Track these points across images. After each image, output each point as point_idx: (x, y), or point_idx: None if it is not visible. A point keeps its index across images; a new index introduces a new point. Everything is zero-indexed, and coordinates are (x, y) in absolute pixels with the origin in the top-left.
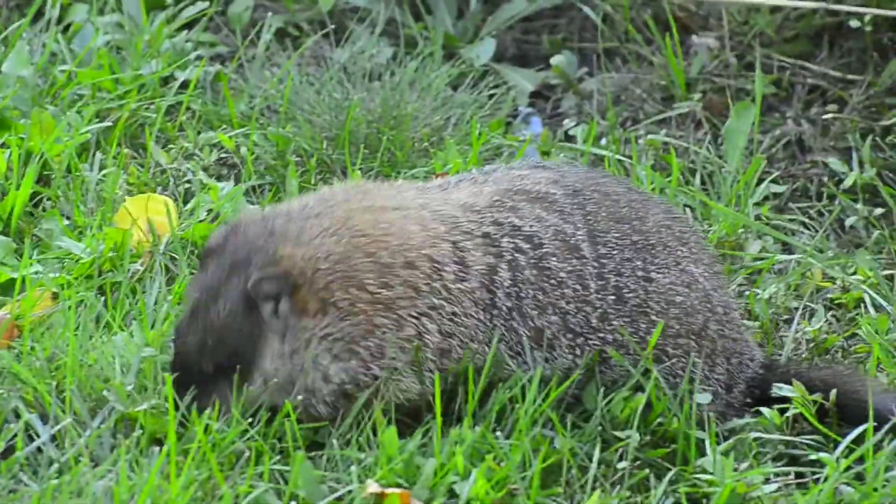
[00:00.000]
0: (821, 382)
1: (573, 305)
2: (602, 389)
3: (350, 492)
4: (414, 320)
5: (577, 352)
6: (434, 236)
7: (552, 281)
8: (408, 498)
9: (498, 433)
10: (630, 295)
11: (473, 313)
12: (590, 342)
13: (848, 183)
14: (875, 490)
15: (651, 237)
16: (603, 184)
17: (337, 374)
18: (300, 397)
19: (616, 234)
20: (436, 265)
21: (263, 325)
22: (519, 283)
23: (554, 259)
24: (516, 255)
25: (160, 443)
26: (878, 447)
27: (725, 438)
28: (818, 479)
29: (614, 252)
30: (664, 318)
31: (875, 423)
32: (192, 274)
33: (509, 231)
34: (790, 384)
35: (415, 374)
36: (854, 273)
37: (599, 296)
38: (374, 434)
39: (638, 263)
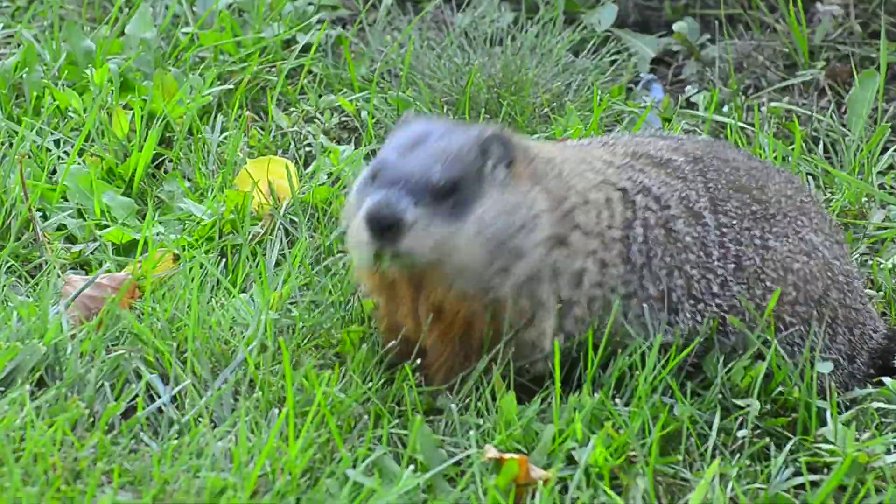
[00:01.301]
0: None
1: (697, 271)
2: (722, 357)
3: (468, 456)
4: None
5: (699, 318)
6: (597, 184)
7: (678, 244)
8: (526, 463)
9: (617, 400)
10: (748, 263)
11: (617, 263)
12: (710, 308)
13: None
14: None
15: (770, 206)
16: (722, 152)
17: (543, 233)
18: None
19: (736, 203)
20: (599, 209)
21: (485, 177)
22: (650, 241)
23: (680, 222)
24: (647, 213)
25: (280, 405)
26: None
27: (847, 408)
28: None
29: (734, 221)
30: (781, 284)
31: None
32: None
33: (641, 189)
34: None
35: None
36: None
37: (720, 263)
38: (493, 399)
39: (756, 232)
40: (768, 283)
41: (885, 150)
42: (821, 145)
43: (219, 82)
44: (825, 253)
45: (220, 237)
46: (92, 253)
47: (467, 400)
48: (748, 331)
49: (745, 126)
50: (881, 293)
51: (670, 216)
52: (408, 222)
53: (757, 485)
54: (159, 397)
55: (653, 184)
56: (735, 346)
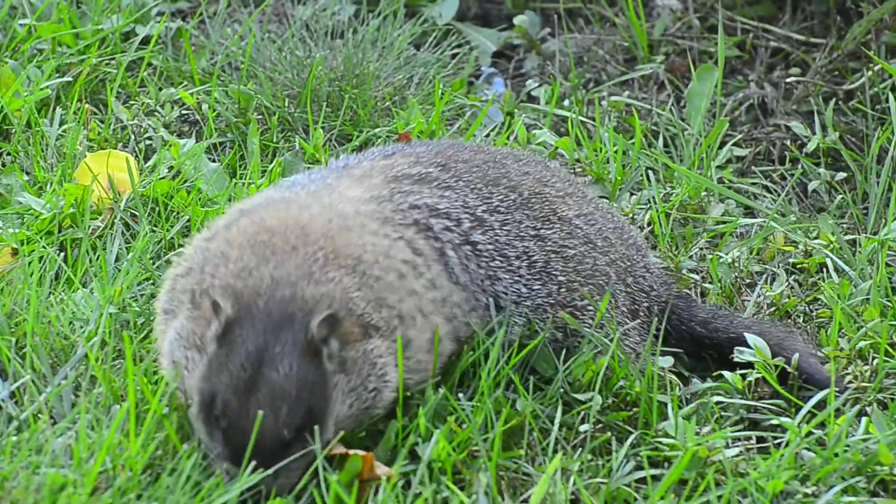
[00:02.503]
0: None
1: (506, 276)
2: (563, 352)
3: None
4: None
5: (525, 318)
6: (393, 241)
7: (484, 256)
8: (371, 459)
9: (460, 395)
10: (536, 258)
11: (452, 290)
12: (526, 309)
13: (811, 147)
14: (836, 455)
15: (523, 190)
16: (454, 153)
17: (394, 379)
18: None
19: (500, 198)
20: (409, 264)
21: (326, 371)
22: (463, 259)
23: (477, 233)
24: (449, 234)
25: (121, 401)
26: (838, 412)
27: (687, 402)
28: (780, 443)
29: (507, 217)
30: (565, 276)
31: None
32: (215, 358)
33: (430, 213)
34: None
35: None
36: (816, 237)
37: (518, 263)
38: None
39: (527, 223)
40: (559, 278)
41: (723, 144)
42: (660, 139)
43: (57, 74)
44: (581, 225)
45: (59, 231)
46: None
47: None
48: (584, 329)
49: (585, 120)
50: (719, 286)
51: (466, 230)
52: (281, 487)
53: (599, 479)
54: None
55: (435, 202)
56: (570, 343)
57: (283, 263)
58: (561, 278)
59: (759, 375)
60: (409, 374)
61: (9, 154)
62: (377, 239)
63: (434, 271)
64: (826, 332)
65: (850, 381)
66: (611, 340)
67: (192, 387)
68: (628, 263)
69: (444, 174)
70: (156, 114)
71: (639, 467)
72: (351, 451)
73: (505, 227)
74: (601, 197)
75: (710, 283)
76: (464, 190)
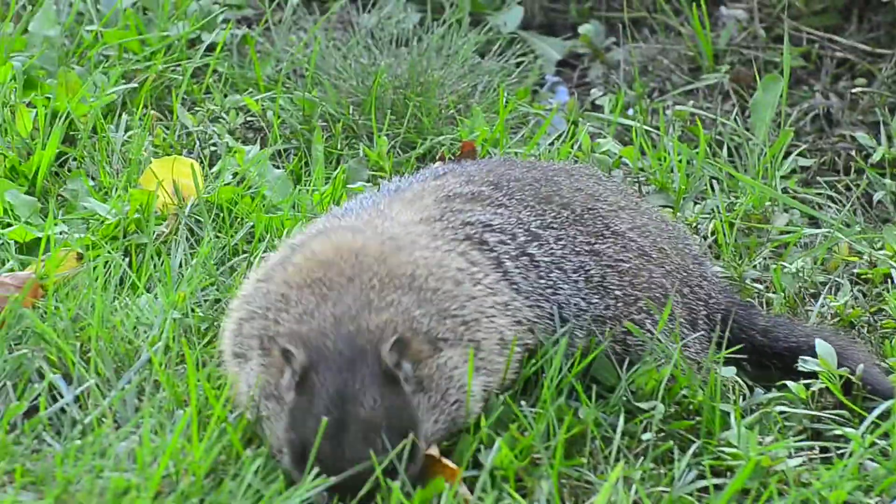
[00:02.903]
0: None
1: (566, 287)
2: (626, 362)
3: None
4: (483, 318)
5: (585, 330)
6: (444, 253)
7: (540, 269)
8: (457, 474)
9: (522, 403)
10: (592, 273)
11: (513, 297)
12: (587, 320)
13: (876, 157)
14: None
15: (576, 207)
16: (506, 171)
17: (476, 387)
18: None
19: (552, 215)
20: (464, 272)
21: (406, 395)
22: (522, 269)
23: (533, 246)
24: (504, 247)
25: (184, 406)
26: None
27: (750, 412)
28: (843, 454)
29: (562, 232)
30: (620, 289)
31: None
32: (297, 406)
33: (483, 228)
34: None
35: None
36: (881, 248)
37: (576, 276)
38: None
39: (581, 238)
40: (616, 292)
41: (788, 154)
42: (725, 149)
43: (123, 81)
44: (635, 237)
45: (124, 237)
46: None
47: None
48: (647, 338)
49: (649, 129)
50: (783, 296)
51: (521, 243)
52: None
53: (660, 488)
54: (62, 397)
55: (488, 218)
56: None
57: (341, 298)
58: (617, 292)
59: (822, 385)
60: (484, 377)
61: (75, 159)
62: (428, 252)
63: (492, 278)
64: (890, 342)
65: None
66: (672, 350)
67: (278, 437)
68: (684, 274)
69: (496, 192)
70: (221, 120)
71: (701, 476)
72: (444, 459)
73: (560, 242)
74: (664, 206)
75: (773, 293)
76: (517, 207)
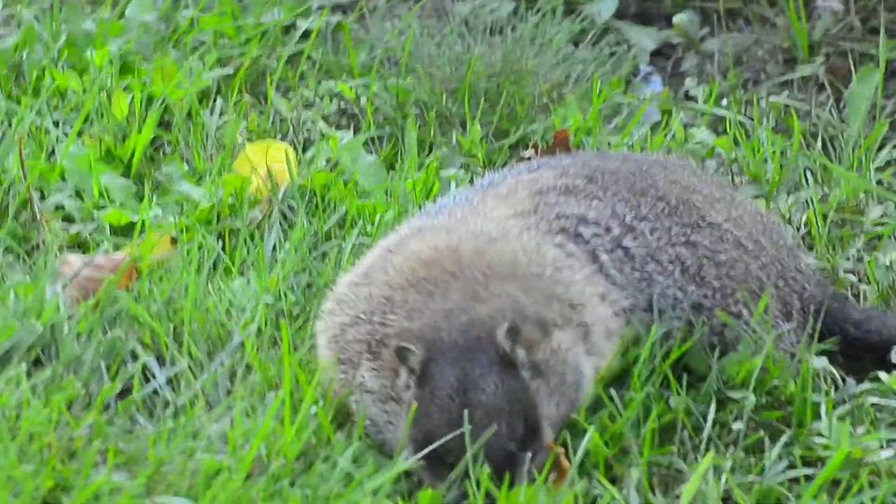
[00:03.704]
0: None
1: (661, 278)
2: (717, 353)
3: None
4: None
5: (683, 321)
6: (539, 242)
7: (636, 261)
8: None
9: (612, 390)
10: (689, 264)
11: (608, 288)
12: (683, 309)
13: None
14: None
15: (671, 199)
16: (601, 164)
17: (588, 369)
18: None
19: (648, 206)
20: (562, 260)
21: (525, 380)
22: (617, 262)
23: (628, 238)
24: (598, 240)
25: (276, 389)
26: None
27: (843, 403)
28: None
29: (657, 225)
30: (717, 280)
31: None
32: (419, 401)
33: (578, 221)
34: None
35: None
36: None
37: (672, 268)
38: None
39: (676, 230)
40: (713, 283)
41: (882, 146)
42: (819, 140)
43: (218, 66)
44: (731, 229)
45: (218, 221)
46: (90, 234)
47: None
48: (740, 328)
49: (743, 120)
50: (878, 289)
51: (616, 236)
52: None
53: (751, 477)
54: (155, 379)
55: (583, 211)
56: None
57: (448, 293)
58: (714, 283)
59: None
60: (595, 360)
61: (169, 144)
62: (524, 241)
63: (588, 270)
64: None
65: None
66: (766, 341)
67: (399, 438)
68: (780, 266)
69: (591, 185)
70: (314, 106)
71: (791, 466)
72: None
73: (655, 233)
74: (757, 197)
75: (867, 284)
76: (612, 200)
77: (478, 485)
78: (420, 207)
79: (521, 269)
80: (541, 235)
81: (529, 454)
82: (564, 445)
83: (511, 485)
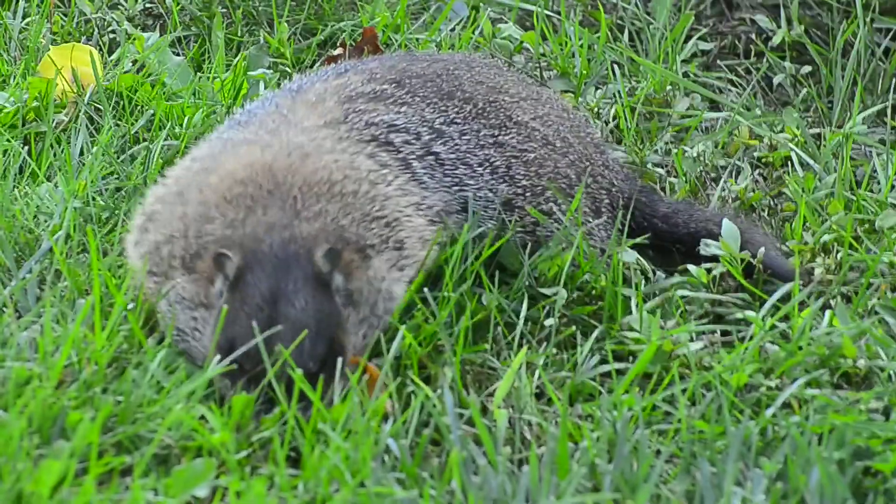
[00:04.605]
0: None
1: (472, 181)
2: (527, 247)
3: None
4: (403, 217)
5: (496, 222)
6: (352, 155)
7: (446, 165)
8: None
9: (425, 290)
10: (497, 164)
11: (421, 197)
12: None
13: (776, 41)
14: (800, 348)
15: (478, 101)
16: (408, 67)
17: (400, 291)
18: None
19: (455, 110)
20: (376, 173)
21: (337, 305)
22: (428, 169)
23: (438, 144)
24: (409, 147)
25: (86, 295)
26: (802, 306)
27: (653, 297)
28: (744, 337)
29: (465, 127)
30: (526, 179)
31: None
32: (229, 307)
33: (388, 128)
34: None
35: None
36: (781, 132)
37: (482, 170)
38: None
39: (485, 132)
40: (522, 182)
41: (688, 38)
42: (626, 33)
43: None
44: (538, 127)
45: (23, 125)
46: None
47: None
48: (550, 223)
49: (550, 14)
50: (684, 180)
51: (426, 142)
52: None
53: (564, 373)
54: None
55: (392, 118)
56: (538, 241)
57: (268, 208)
58: (524, 182)
59: (724, 270)
60: (408, 273)
61: None
62: (337, 155)
63: (402, 179)
64: (791, 225)
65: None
66: (576, 236)
67: (205, 346)
68: (587, 163)
69: (399, 91)
70: (119, 7)
71: (604, 361)
72: (369, 365)
73: (464, 137)
74: (566, 91)
75: (675, 177)
76: (420, 105)
77: (287, 392)
78: (228, 109)
79: (336, 186)
80: (353, 145)
81: (327, 377)
82: (377, 345)
83: (306, 405)
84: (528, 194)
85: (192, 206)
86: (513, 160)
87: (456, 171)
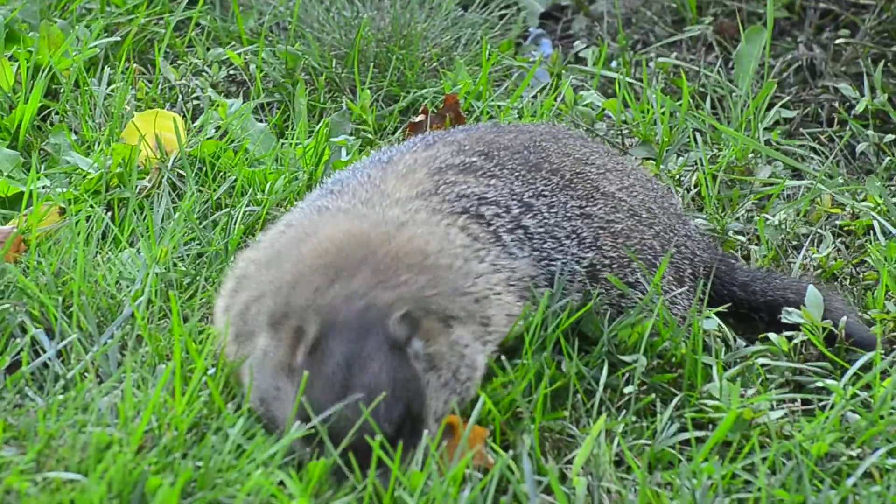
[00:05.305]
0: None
1: (559, 255)
2: (607, 315)
3: None
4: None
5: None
6: (446, 227)
7: (535, 240)
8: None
9: (503, 357)
10: (584, 235)
11: (512, 270)
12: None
13: (859, 109)
14: (881, 418)
15: (565, 173)
16: (494, 139)
17: (482, 362)
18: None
19: (543, 182)
20: (469, 248)
21: (415, 370)
22: (518, 242)
23: (527, 217)
24: (500, 220)
25: (167, 360)
26: (884, 375)
27: (733, 365)
28: (825, 406)
29: (553, 200)
30: (613, 251)
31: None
32: (311, 369)
33: (478, 201)
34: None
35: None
36: (864, 200)
37: (569, 243)
38: None
39: (572, 203)
40: (611, 254)
41: (771, 105)
42: (708, 101)
43: (106, 34)
44: (624, 198)
45: (106, 191)
46: None
47: None
48: (631, 291)
49: (633, 81)
50: (767, 249)
51: (516, 216)
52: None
53: (643, 441)
54: (44, 352)
55: (483, 190)
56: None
57: (355, 277)
58: (612, 254)
59: (805, 338)
60: (490, 348)
61: (57, 113)
62: (432, 227)
63: (493, 254)
64: (872, 294)
65: None
66: (656, 304)
67: (284, 413)
68: (671, 234)
69: (487, 163)
70: (203, 74)
71: (683, 429)
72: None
73: (552, 210)
74: (647, 159)
75: (756, 245)
76: (508, 178)
77: (363, 459)
78: (310, 176)
79: (430, 258)
80: (446, 217)
81: (403, 442)
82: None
83: (384, 471)
84: (614, 266)
85: (285, 270)
86: (600, 231)
87: (544, 245)
